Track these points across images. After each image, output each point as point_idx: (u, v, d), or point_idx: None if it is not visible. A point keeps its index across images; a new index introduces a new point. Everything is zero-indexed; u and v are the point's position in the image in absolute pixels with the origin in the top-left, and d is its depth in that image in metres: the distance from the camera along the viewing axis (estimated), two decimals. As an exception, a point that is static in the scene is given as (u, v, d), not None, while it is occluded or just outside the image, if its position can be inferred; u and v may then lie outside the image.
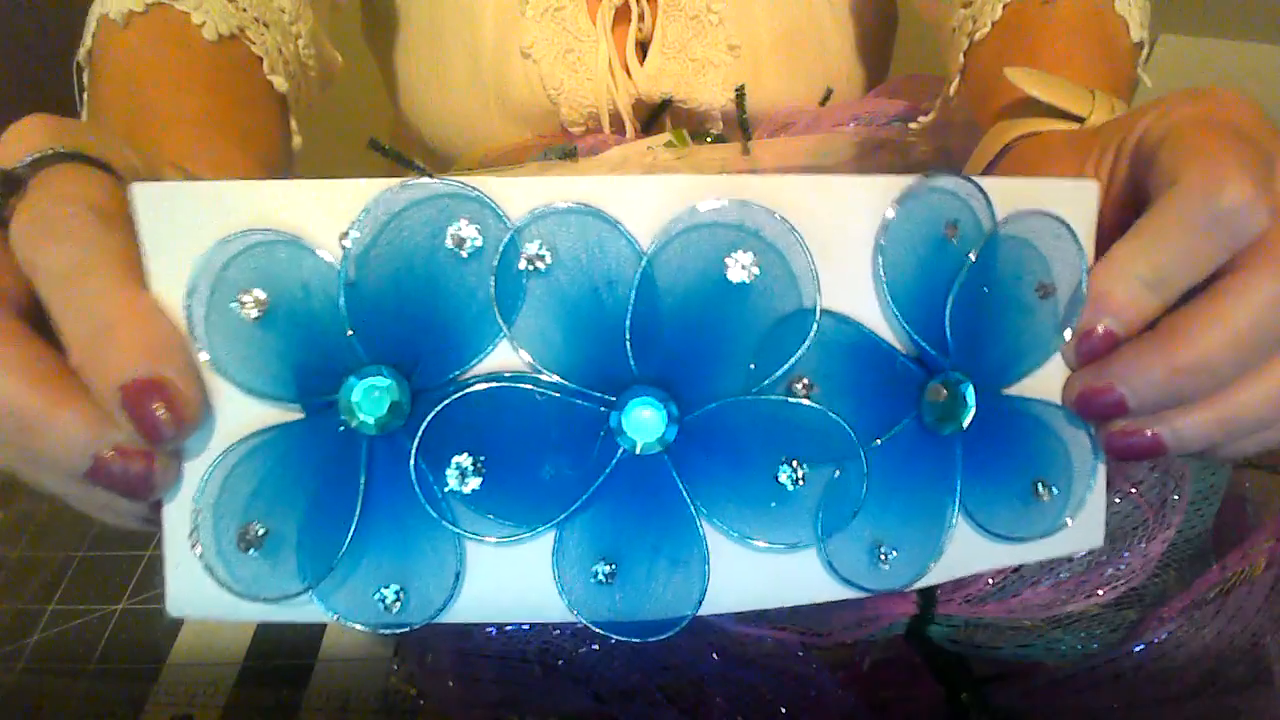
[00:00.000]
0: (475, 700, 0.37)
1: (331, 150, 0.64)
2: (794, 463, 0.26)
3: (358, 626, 0.26)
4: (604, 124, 0.65)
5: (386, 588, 0.26)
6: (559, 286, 0.24)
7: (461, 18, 0.64)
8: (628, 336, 0.25)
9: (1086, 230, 0.28)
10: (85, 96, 0.47)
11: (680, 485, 0.26)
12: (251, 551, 0.25)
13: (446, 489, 0.25)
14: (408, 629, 0.26)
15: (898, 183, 0.26)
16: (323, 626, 0.45)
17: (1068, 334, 0.28)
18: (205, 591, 0.26)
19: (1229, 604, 0.36)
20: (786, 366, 0.25)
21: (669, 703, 0.35)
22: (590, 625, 0.26)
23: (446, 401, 0.24)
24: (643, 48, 0.65)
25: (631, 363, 0.25)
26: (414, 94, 0.71)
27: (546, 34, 0.63)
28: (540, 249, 0.24)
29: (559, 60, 0.63)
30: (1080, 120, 0.36)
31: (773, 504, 0.26)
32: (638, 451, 0.25)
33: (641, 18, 0.63)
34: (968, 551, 0.28)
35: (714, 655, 0.36)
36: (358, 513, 0.25)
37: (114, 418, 0.24)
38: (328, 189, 0.24)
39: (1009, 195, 0.27)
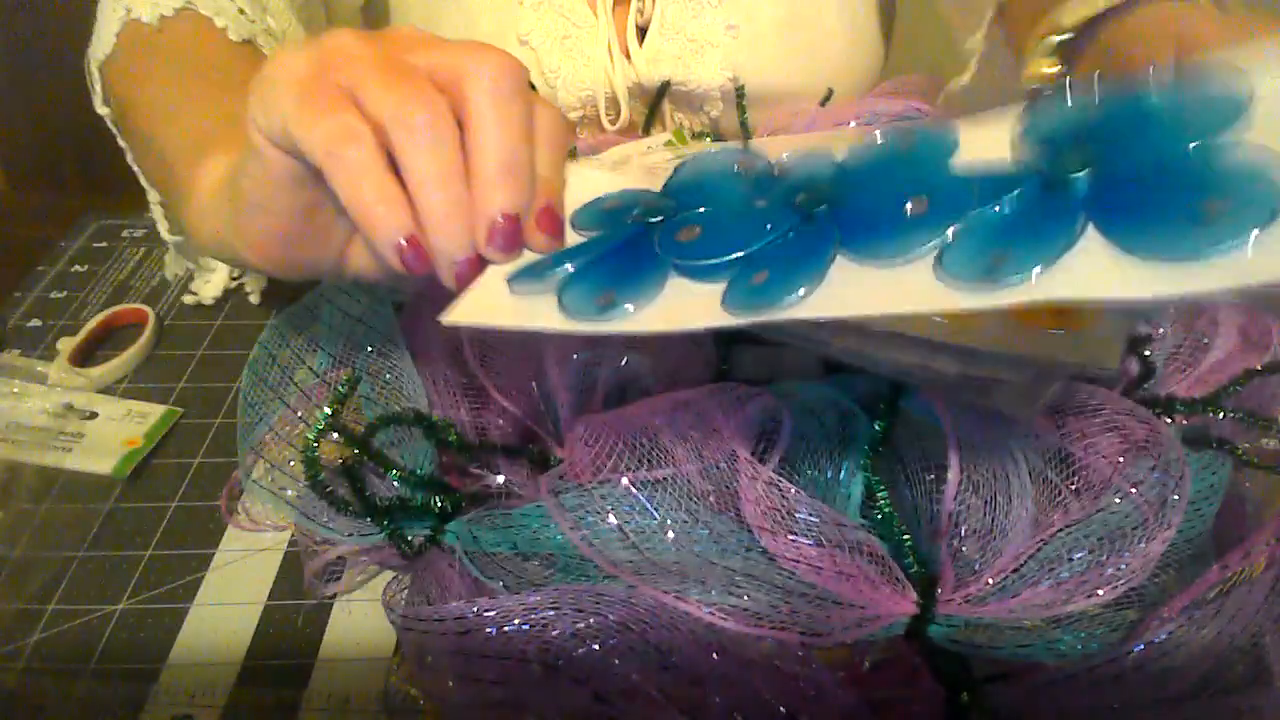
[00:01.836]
0: (475, 700, 0.37)
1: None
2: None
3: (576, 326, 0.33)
4: (600, 108, 0.66)
5: (601, 295, 0.33)
6: None
7: (457, 9, 0.65)
8: None
9: None
10: (100, 91, 0.52)
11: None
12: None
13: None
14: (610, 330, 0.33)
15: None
16: (323, 627, 0.45)
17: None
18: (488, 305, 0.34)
19: (1229, 604, 0.36)
20: None
21: (669, 703, 0.35)
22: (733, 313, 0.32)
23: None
24: (641, 32, 0.65)
25: None
26: None
27: (544, 22, 0.64)
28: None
29: (556, 46, 0.64)
30: None
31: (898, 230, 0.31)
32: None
33: None
34: (1115, 274, 0.27)
35: (714, 655, 0.36)
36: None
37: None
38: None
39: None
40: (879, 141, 0.35)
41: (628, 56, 0.65)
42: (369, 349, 0.50)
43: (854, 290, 0.30)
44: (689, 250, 0.34)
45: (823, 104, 0.66)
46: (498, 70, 0.32)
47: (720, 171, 0.39)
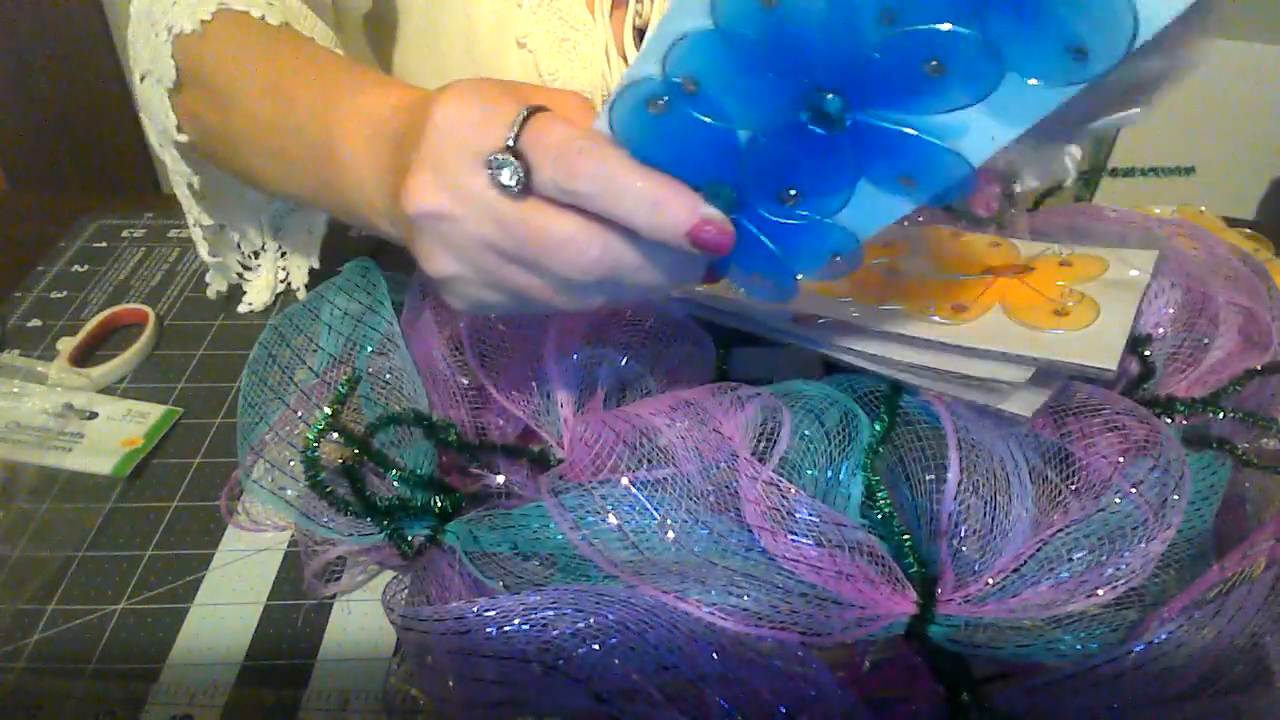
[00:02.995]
0: (475, 700, 0.37)
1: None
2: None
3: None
4: (598, 109, 0.66)
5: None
6: None
7: (458, 12, 0.65)
8: None
9: None
10: (175, 118, 0.52)
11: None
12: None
13: None
14: None
15: None
16: (323, 627, 0.45)
17: None
18: None
19: (1229, 604, 0.36)
20: None
21: (669, 703, 0.35)
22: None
23: None
24: (639, 34, 0.66)
25: None
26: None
27: (543, 24, 0.64)
28: None
29: (555, 48, 0.64)
30: None
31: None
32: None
33: (639, 0, 0.64)
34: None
35: (714, 655, 0.36)
36: None
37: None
38: None
39: None
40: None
41: (625, 59, 0.65)
42: (369, 349, 0.50)
43: (991, 127, 0.31)
44: (805, 218, 0.35)
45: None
46: (572, 165, 0.33)
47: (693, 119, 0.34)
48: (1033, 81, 0.30)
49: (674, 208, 0.33)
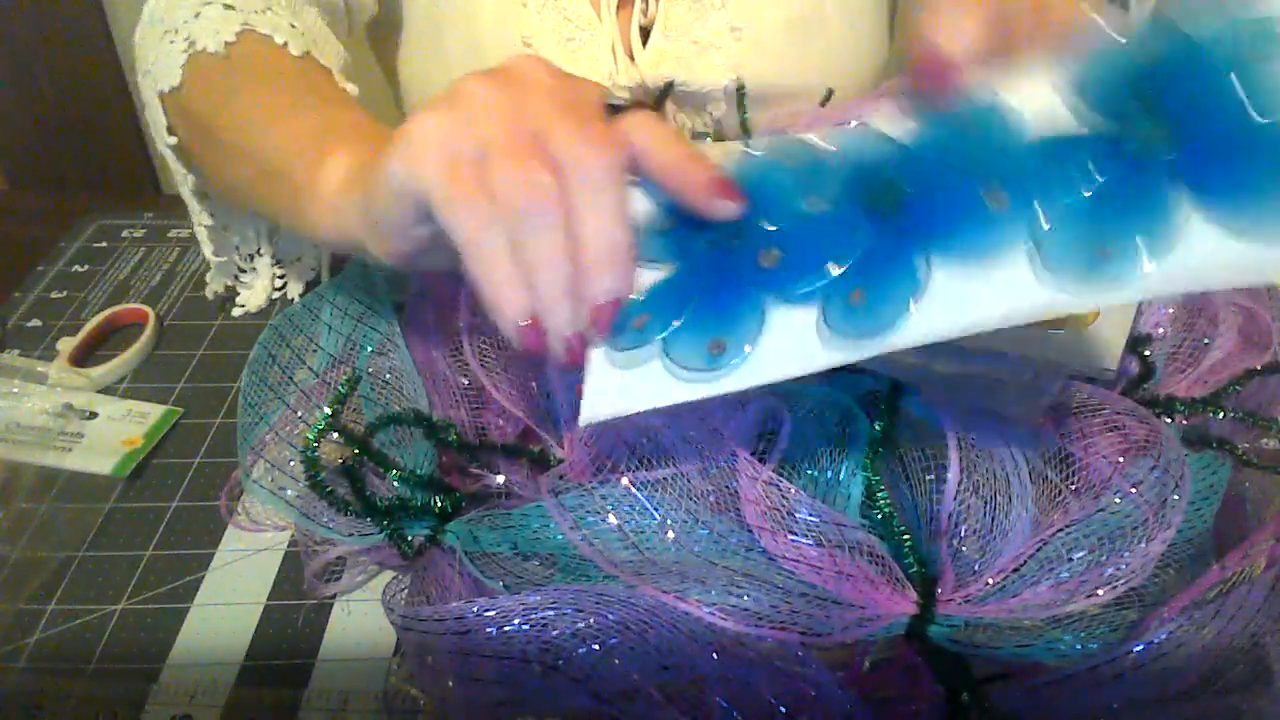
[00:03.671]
0: (475, 700, 0.37)
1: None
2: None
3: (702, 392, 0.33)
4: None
5: (710, 343, 0.33)
6: None
7: (460, 14, 0.65)
8: None
9: None
10: (165, 123, 0.53)
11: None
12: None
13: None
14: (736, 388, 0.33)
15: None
16: (323, 627, 0.45)
17: None
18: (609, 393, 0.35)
19: (1229, 604, 0.36)
20: None
21: (669, 703, 0.35)
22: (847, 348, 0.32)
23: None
24: (645, 33, 0.65)
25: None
26: (416, 92, 0.71)
27: (547, 24, 0.64)
28: None
29: (560, 48, 0.64)
30: None
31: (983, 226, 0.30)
32: None
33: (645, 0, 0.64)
34: (1218, 260, 0.26)
35: (714, 655, 0.36)
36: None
37: None
38: None
39: None
40: (934, 119, 0.33)
41: (631, 58, 0.65)
42: (369, 349, 0.50)
43: (959, 302, 0.29)
44: (776, 278, 0.33)
45: (823, 104, 0.66)
46: (592, 161, 0.33)
47: (772, 173, 0.36)
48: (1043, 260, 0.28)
49: (701, 167, 0.34)
